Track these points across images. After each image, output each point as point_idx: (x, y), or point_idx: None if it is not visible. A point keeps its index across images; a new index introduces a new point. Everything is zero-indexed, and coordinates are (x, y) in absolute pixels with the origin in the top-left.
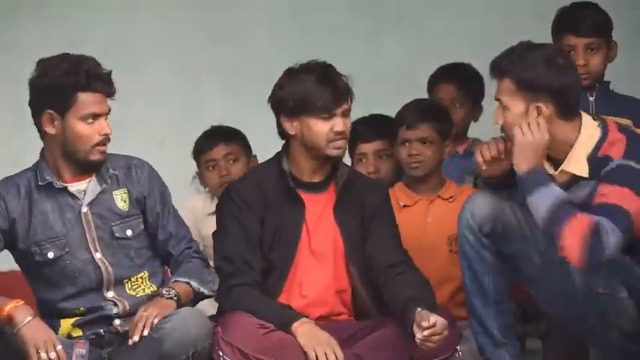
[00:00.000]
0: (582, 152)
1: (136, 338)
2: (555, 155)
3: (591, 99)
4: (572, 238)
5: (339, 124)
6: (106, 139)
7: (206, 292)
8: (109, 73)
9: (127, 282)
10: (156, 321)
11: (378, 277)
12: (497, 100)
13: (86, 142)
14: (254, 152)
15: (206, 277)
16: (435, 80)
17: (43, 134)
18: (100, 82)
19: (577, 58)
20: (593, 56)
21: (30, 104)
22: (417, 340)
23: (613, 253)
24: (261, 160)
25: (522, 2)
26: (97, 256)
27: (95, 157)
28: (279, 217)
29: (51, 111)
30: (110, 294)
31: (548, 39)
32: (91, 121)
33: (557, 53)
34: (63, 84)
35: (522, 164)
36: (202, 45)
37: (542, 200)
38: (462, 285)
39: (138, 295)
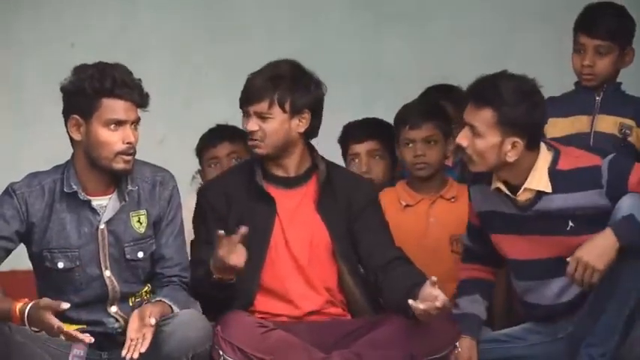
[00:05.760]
0: (543, 170)
1: (135, 356)
2: (516, 181)
3: (598, 98)
4: None
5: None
6: (130, 148)
7: None
8: (138, 81)
9: (131, 297)
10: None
11: (377, 274)
12: (469, 124)
13: (109, 150)
14: None
15: (190, 306)
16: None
17: (71, 141)
18: (127, 89)
19: (584, 57)
20: (601, 59)
21: (62, 110)
22: (421, 308)
23: None
24: None
25: (524, 2)
26: (107, 273)
27: (119, 165)
28: (247, 214)
29: (76, 116)
30: (113, 309)
31: (550, 39)
32: (114, 127)
33: (533, 89)
34: (87, 88)
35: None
36: (202, 43)
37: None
38: None
39: None
